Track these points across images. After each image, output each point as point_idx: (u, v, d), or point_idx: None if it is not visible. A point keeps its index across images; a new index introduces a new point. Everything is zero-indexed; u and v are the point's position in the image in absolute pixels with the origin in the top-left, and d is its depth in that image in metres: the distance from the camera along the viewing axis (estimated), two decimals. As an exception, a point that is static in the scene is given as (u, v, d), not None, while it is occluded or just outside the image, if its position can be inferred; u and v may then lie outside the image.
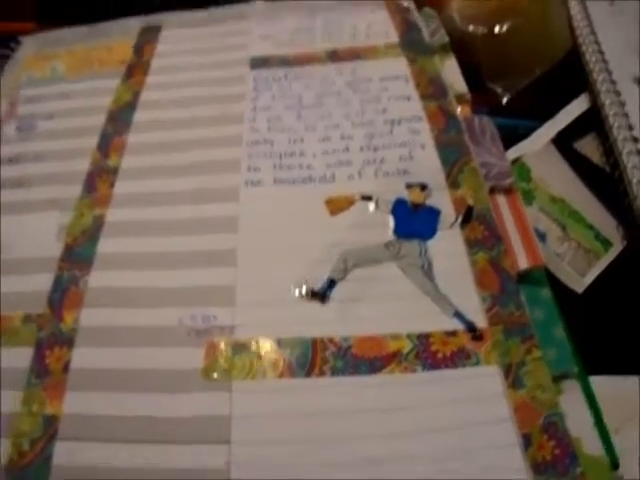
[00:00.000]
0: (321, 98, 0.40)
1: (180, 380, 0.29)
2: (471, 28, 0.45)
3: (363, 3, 0.48)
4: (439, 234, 0.33)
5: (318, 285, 0.31)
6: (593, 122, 0.42)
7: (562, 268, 0.36)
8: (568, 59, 0.45)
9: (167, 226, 0.34)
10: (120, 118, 0.41)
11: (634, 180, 0.37)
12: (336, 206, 0.34)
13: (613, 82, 0.43)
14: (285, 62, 0.43)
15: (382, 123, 0.38)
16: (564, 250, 0.37)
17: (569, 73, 0.45)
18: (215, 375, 0.29)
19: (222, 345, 0.30)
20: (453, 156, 0.36)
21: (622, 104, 0.42)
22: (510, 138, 0.40)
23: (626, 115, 0.41)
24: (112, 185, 0.37)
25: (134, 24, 0.49)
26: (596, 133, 0.42)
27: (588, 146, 0.42)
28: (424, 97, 0.39)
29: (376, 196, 0.34)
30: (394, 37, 0.44)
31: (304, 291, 0.31)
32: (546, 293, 0.31)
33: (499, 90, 0.44)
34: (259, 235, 0.33)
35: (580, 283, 0.36)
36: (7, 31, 0.51)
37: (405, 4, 0.47)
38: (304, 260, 0.32)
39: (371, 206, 0.34)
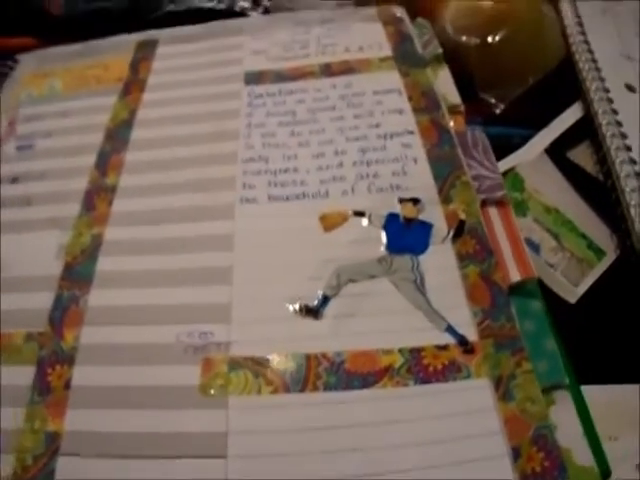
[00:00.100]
0: (315, 113, 0.41)
1: (178, 396, 0.29)
2: (464, 38, 0.46)
3: (357, 14, 0.48)
4: (431, 248, 0.33)
5: (312, 301, 0.31)
6: (586, 131, 0.43)
7: (555, 278, 0.37)
8: (562, 68, 0.45)
9: (164, 244, 0.35)
10: (117, 136, 0.41)
11: (627, 189, 0.38)
12: (330, 222, 0.34)
13: (606, 90, 0.43)
14: (279, 77, 0.44)
15: (375, 137, 0.38)
16: (557, 260, 0.37)
17: (563, 82, 0.45)
18: (212, 391, 0.29)
19: (218, 361, 0.30)
20: (445, 170, 0.36)
21: (615, 112, 0.42)
22: (504, 147, 0.41)
23: (619, 123, 0.41)
24: (110, 203, 0.37)
25: (130, 40, 0.49)
26: (589, 142, 0.42)
27: (581, 155, 0.42)
28: (417, 110, 0.39)
29: (369, 211, 0.35)
30: (387, 50, 0.44)
31: (298, 307, 0.31)
32: (537, 305, 0.32)
33: (492, 100, 0.45)
34: (254, 252, 0.34)
35: (573, 293, 0.36)
36: (6, 47, 0.51)
37: (398, 14, 0.47)
38: (299, 277, 0.32)
39: (364, 221, 0.34)
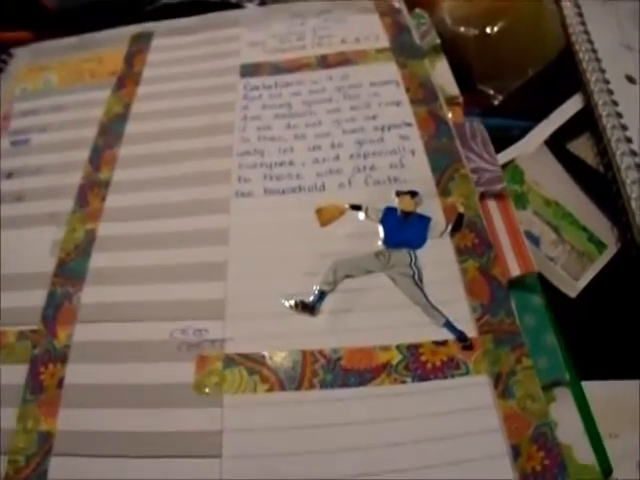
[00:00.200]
0: (311, 105, 0.40)
1: (172, 395, 0.29)
2: (463, 29, 0.45)
3: (353, 5, 0.48)
4: (429, 242, 0.32)
5: (308, 297, 0.31)
6: (586, 122, 0.42)
7: (555, 272, 0.36)
8: (561, 59, 0.45)
9: (158, 239, 0.34)
10: (111, 130, 0.41)
11: (628, 181, 0.37)
12: (326, 216, 0.34)
13: (606, 81, 0.43)
14: (275, 69, 0.43)
15: (372, 129, 0.38)
16: (557, 254, 0.37)
17: (563, 73, 0.44)
18: (207, 389, 0.29)
19: (213, 359, 0.30)
20: (443, 162, 0.35)
21: (615, 103, 0.41)
22: (503, 139, 0.40)
23: (620, 115, 0.41)
24: (104, 199, 0.37)
25: (125, 33, 0.49)
26: (590, 133, 0.42)
27: (582, 147, 0.42)
28: (414, 102, 0.39)
29: (366, 205, 0.34)
30: (384, 41, 0.43)
31: (294, 303, 0.31)
32: (538, 300, 0.31)
33: (491, 91, 0.44)
34: (250, 247, 0.33)
35: (574, 287, 0.36)
36: (0, 41, 0.51)
37: (396, 5, 0.47)
38: (295, 272, 0.32)
39: (361, 215, 0.34)
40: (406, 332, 0.29)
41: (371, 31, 0.44)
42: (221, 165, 0.37)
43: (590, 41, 0.45)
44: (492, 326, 0.29)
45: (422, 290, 0.31)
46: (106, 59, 0.47)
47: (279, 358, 0.29)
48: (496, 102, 0.44)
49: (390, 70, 0.41)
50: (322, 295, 0.31)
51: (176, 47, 0.47)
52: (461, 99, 0.40)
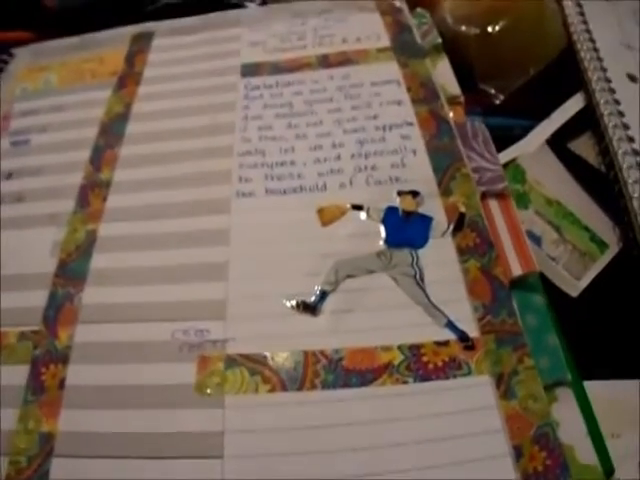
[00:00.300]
0: (312, 105, 0.40)
1: (174, 395, 0.29)
2: (464, 28, 0.45)
3: (354, 5, 0.48)
4: (431, 242, 0.32)
5: (310, 297, 0.31)
6: (588, 121, 0.42)
7: (557, 272, 0.36)
8: (563, 58, 0.45)
9: (159, 240, 0.34)
10: (112, 130, 0.41)
11: (630, 180, 0.37)
12: (328, 216, 0.34)
13: (608, 80, 0.42)
14: (276, 68, 0.43)
15: (373, 129, 0.38)
16: (559, 253, 0.37)
17: (564, 72, 0.44)
18: (208, 390, 0.29)
19: (214, 359, 0.30)
20: (445, 162, 0.35)
21: (617, 102, 0.41)
22: (505, 138, 0.40)
23: (621, 114, 0.40)
24: (105, 199, 0.37)
25: (126, 33, 0.49)
26: (591, 133, 0.42)
27: (583, 146, 0.42)
28: (415, 101, 0.39)
29: (367, 205, 0.34)
30: (385, 40, 0.43)
31: (296, 304, 0.31)
32: (540, 299, 0.31)
33: (492, 91, 0.44)
34: (251, 247, 0.33)
35: (575, 287, 0.36)
36: (0, 41, 0.51)
37: (397, 4, 0.47)
38: (296, 272, 0.32)
39: (362, 215, 0.34)
40: (408, 332, 0.29)
41: (372, 30, 0.44)
42: (222, 165, 0.37)
43: (592, 40, 0.45)
44: (494, 326, 0.29)
45: (424, 290, 0.31)
46: (107, 59, 0.47)
47: (281, 359, 0.29)
48: (497, 101, 0.44)
49: (391, 69, 0.41)
50: (323, 295, 0.31)
51: (177, 47, 0.47)
52: (462, 98, 0.39)
